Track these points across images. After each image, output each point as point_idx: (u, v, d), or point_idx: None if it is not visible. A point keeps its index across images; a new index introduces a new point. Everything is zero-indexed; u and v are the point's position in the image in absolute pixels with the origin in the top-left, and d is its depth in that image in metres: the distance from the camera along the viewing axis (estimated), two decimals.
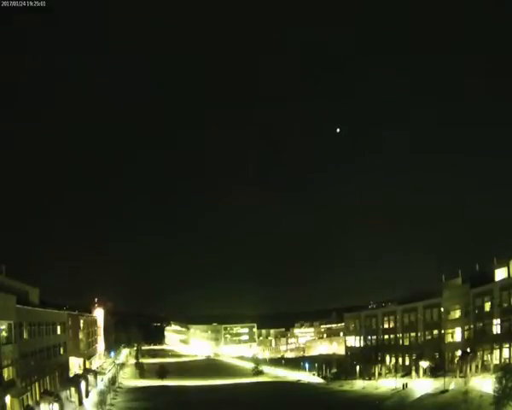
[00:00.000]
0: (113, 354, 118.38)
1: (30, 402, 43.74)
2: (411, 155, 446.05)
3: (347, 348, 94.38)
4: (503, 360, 54.00)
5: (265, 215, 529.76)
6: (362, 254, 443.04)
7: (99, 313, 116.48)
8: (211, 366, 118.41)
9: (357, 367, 76.41)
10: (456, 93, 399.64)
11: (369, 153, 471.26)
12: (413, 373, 65.20)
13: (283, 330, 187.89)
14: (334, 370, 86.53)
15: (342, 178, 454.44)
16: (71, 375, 65.25)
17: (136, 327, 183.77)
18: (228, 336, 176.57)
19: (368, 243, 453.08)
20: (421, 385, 57.15)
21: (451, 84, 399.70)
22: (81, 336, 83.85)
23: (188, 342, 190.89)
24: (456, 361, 60.81)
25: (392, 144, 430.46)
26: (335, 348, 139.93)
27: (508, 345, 54.43)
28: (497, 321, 57.49)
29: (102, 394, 55.23)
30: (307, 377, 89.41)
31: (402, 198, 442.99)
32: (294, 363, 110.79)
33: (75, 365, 74.46)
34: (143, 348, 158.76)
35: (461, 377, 54.50)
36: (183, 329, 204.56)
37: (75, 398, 55.13)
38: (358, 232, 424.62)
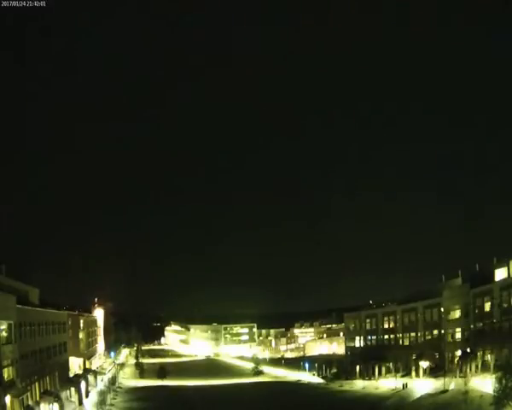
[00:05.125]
0: (113, 354, 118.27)
1: (30, 402, 43.65)
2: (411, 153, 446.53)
3: (347, 348, 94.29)
4: (503, 360, 53.90)
5: (265, 216, 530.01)
6: (362, 254, 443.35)
7: (99, 313, 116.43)
8: (211, 366, 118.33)
9: (357, 367, 76.32)
10: None
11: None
12: (413, 373, 65.09)
13: (283, 330, 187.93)
14: (334, 370, 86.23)
15: (343, 182, 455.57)
16: (71, 375, 65.18)
17: (136, 327, 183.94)
18: (228, 336, 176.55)
19: (368, 244, 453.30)
20: (421, 385, 57.05)
21: None
22: (81, 336, 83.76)
23: (188, 342, 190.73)
24: (456, 361, 60.71)
25: None
26: (335, 348, 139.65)
27: (508, 345, 54.32)
28: (497, 321, 57.45)
29: (102, 394, 55.22)
30: (307, 377, 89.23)
31: (402, 198, 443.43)
32: (294, 363, 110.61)
33: (75, 365, 74.44)
34: (143, 348, 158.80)
35: (461, 377, 54.41)
36: (183, 329, 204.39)
37: (75, 398, 55.02)
38: (359, 233, 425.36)
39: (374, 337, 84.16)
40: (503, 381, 37.03)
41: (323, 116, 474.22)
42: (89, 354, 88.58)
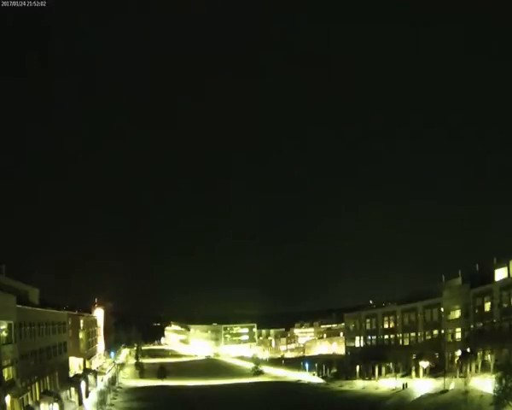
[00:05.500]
0: (113, 354, 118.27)
1: (30, 402, 43.68)
2: (411, 154, 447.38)
3: (347, 348, 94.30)
4: (503, 360, 53.88)
5: (265, 216, 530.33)
6: (362, 254, 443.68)
7: (99, 313, 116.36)
8: (211, 366, 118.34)
9: (357, 367, 76.31)
10: None
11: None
12: (413, 373, 65.09)
13: (283, 330, 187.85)
14: (334, 370, 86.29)
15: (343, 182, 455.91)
16: (71, 375, 65.18)
17: (136, 327, 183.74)
18: (228, 336, 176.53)
19: (368, 244, 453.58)
20: (421, 385, 57.07)
21: None
22: (81, 336, 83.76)
23: (188, 342, 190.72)
24: (456, 361, 60.71)
25: None
26: (335, 348, 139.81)
27: (508, 345, 54.32)
28: (497, 321, 57.43)
29: (102, 394, 55.22)
30: (307, 377, 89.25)
31: (402, 197, 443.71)
32: (294, 363, 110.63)
33: (75, 365, 74.42)
34: (143, 348, 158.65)
35: (461, 377, 54.40)
36: (183, 329, 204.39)
37: (75, 398, 55.05)
38: (358, 233, 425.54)
39: (374, 337, 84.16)
40: (503, 381, 37.01)
41: (324, 116, 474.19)
42: (89, 354, 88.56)
